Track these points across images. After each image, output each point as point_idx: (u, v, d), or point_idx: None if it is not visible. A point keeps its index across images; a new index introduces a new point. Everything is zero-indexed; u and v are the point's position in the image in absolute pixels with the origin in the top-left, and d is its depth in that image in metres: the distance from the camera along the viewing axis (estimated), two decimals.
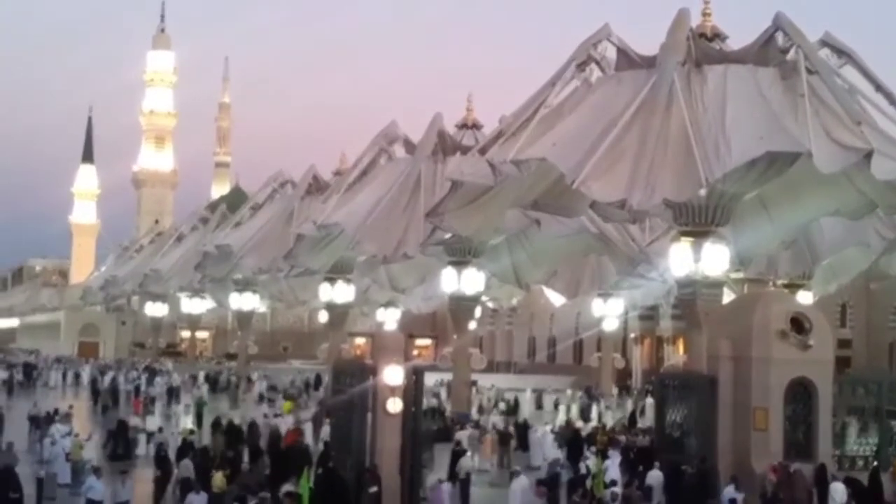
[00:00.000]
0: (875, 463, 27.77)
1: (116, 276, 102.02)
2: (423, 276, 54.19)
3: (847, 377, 34.30)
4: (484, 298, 54.93)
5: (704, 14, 37.69)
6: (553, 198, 33.72)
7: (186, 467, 26.13)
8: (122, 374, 65.47)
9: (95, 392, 55.42)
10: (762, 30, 33.55)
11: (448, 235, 41.84)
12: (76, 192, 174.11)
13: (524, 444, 36.97)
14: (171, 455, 28.61)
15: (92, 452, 30.84)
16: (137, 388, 57.29)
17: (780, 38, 33.36)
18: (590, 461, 28.80)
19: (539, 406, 56.87)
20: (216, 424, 35.80)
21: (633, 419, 44.98)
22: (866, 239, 42.13)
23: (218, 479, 24.31)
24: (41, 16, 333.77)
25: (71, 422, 35.44)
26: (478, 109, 53.87)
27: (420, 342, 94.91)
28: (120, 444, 34.42)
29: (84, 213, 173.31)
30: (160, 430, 35.21)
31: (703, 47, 34.22)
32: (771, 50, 33.33)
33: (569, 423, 42.86)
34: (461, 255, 45.73)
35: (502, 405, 53.03)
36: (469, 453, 31.28)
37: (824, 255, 44.55)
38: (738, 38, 36.06)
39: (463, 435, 35.06)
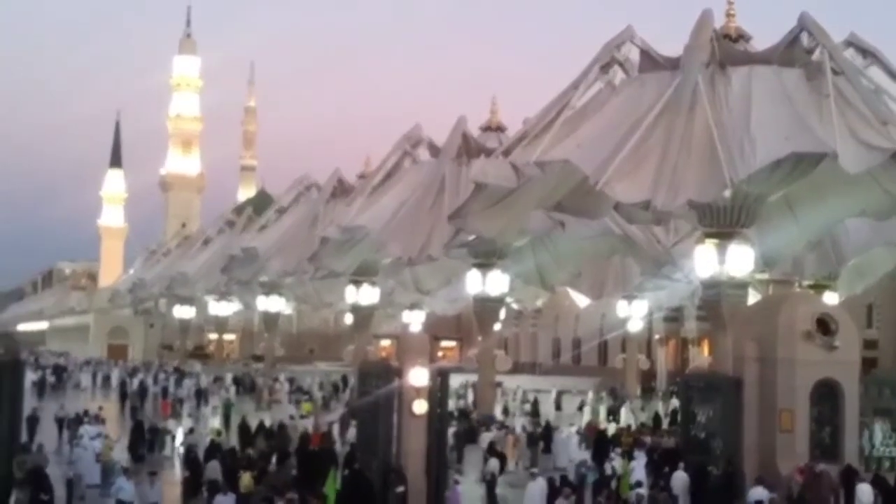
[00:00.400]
0: None
1: (144, 279, 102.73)
2: (449, 278, 54.27)
3: (873, 378, 34.18)
4: (508, 300, 54.93)
5: (728, 15, 37.63)
6: (577, 199, 33.70)
7: (214, 469, 26.39)
8: (151, 376, 66.04)
9: (124, 394, 55.94)
10: (787, 31, 33.43)
11: (472, 237, 41.91)
12: (104, 196, 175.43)
13: (548, 446, 37.04)
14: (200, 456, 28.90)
15: (122, 454, 31.19)
16: (165, 390, 57.82)
17: (804, 39, 33.19)
18: (615, 462, 28.86)
19: (558, 407, 56.80)
20: (246, 427, 36.03)
21: (657, 420, 44.92)
22: (893, 239, 41.90)
23: (245, 479, 24.56)
24: (69, 22, 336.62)
25: (101, 423, 35.85)
26: (502, 112, 54.04)
27: (445, 344, 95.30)
28: (141, 445, 34.79)
29: (112, 216, 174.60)
30: (191, 431, 35.52)
31: (727, 48, 34.12)
32: (796, 51, 33.18)
33: (593, 424, 42.87)
34: (485, 257, 45.86)
35: (527, 406, 53.14)
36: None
37: (850, 256, 44.29)
38: (763, 39, 35.97)
39: (488, 436, 35.20)
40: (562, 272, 50.64)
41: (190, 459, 28.56)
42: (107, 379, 70.50)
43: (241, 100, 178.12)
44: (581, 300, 62.99)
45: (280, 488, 23.70)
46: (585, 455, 32.34)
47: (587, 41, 35.75)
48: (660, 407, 50.92)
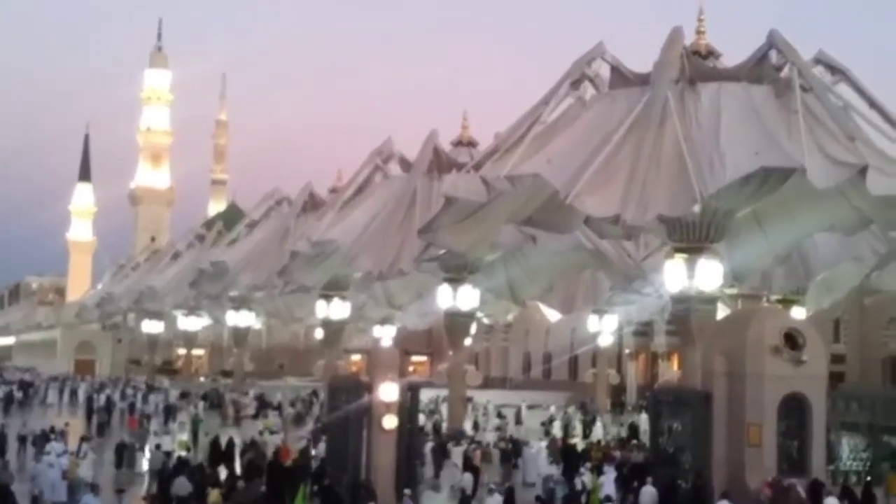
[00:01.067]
0: (868, 478, 27.83)
1: (112, 293, 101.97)
2: (420, 293, 54.25)
3: (840, 392, 34.41)
4: (479, 314, 54.93)
5: (698, 32, 37.96)
6: (547, 214, 33.72)
7: (182, 485, 26.15)
8: (118, 392, 65.44)
9: (90, 410, 55.41)
10: (755, 48, 33.72)
11: (442, 251, 41.91)
12: (73, 210, 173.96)
13: (517, 461, 36.98)
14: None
15: (87, 470, 30.84)
16: (132, 406, 57.32)
17: (773, 56, 33.49)
18: (585, 477, 28.88)
19: (518, 422, 56.44)
20: (217, 444, 35.75)
21: (635, 432, 44.94)
22: (860, 254, 42.21)
23: (214, 496, 24.37)
24: (37, 34, 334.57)
25: (67, 439, 35.49)
26: (473, 127, 54.20)
27: (416, 359, 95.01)
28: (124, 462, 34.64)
29: (81, 230, 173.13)
30: (157, 447, 35.20)
31: (696, 65, 34.38)
32: (765, 67, 33.44)
33: (563, 439, 42.90)
34: (456, 271, 45.86)
35: (497, 421, 53.08)
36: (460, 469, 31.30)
37: (818, 271, 44.57)
38: (732, 56, 36.28)
39: (458, 451, 35.14)
40: (533, 286, 50.73)
41: (156, 476, 28.31)
42: (74, 394, 69.78)
43: (212, 113, 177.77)
44: (552, 315, 63.06)
45: None
46: (555, 470, 32.34)
47: (559, 57, 35.92)
48: (639, 419, 51.03)
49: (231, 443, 35.78)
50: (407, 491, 25.69)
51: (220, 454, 34.34)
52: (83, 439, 34.15)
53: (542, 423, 52.75)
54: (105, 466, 34.57)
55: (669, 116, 31.57)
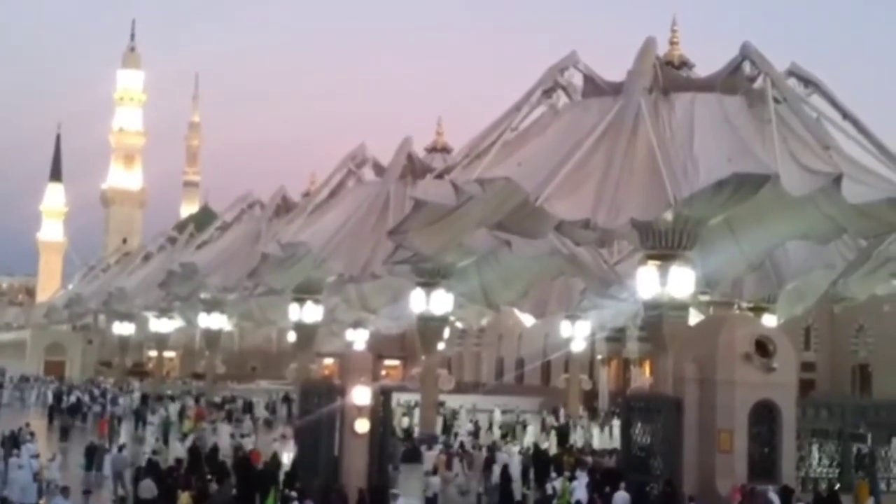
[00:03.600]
0: (837, 485, 28.02)
1: (81, 294, 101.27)
2: (395, 296, 54.19)
3: (810, 400, 34.61)
4: (452, 319, 54.96)
5: (672, 42, 38.10)
6: (518, 219, 33.54)
7: (147, 488, 25.94)
8: (87, 394, 64.95)
9: (52, 412, 55.00)
10: (729, 60, 33.90)
11: (410, 254, 41.80)
12: (44, 210, 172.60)
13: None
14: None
15: (57, 472, 30.61)
16: (103, 408, 56.92)
17: (747, 67, 33.72)
18: (556, 482, 28.94)
19: (489, 428, 56.40)
20: (196, 449, 35.43)
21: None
22: (832, 262, 42.56)
23: (184, 499, 24.23)
24: (9, 33, 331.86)
25: (35, 441, 35.19)
26: (449, 134, 54.19)
27: (389, 363, 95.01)
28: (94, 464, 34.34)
29: (52, 231, 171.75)
30: (121, 448, 34.73)
31: (670, 75, 34.54)
32: (738, 78, 33.64)
33: (536, 444, 42.96)
34: (430, 275, 45.85)
35: (470, 426, 53.10)
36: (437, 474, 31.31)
37: (790, 278, 44.91)
38: (706, 67, 36.45)
39: (431, 455, 35.13)
40: (508, 291, 50.79)
41: (119, 478, 28.20)
42: (41, 396, 69.15)
43: (185, 115, 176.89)
44: (525, 320, 63.16)
45: None
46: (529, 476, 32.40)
47: (535, 68, 35.97)
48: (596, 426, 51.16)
49: (215, 448, 35.30)
50: (395, 491, 25.73)
51: (201, 459, 33.76)
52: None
53: (523, 427, 52.37)
54: (72, 469, 34.27)
55: (642, 123, 31.70)
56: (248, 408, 60.85)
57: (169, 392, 70.75)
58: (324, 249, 46.23)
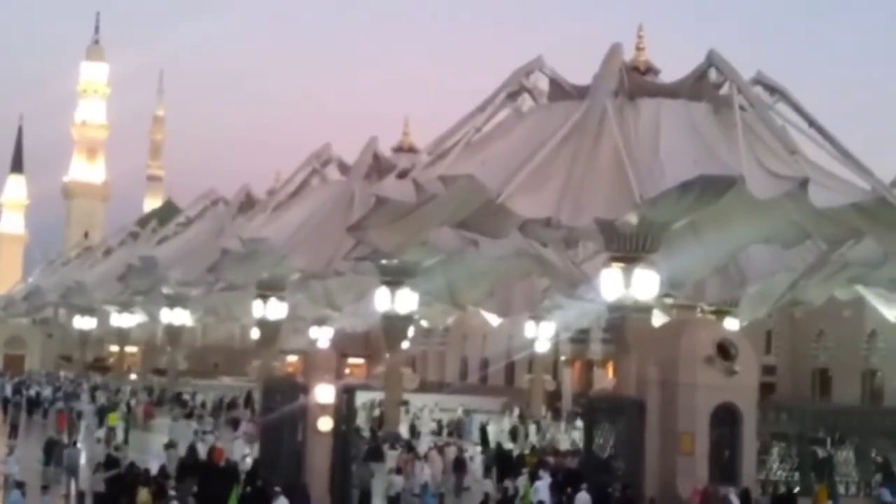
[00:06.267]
0: (797, 489, 28.30)
1: (40, 286, 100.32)
2: (362, 294, 54.00)
3: (771, 403, 34.96)
4: (417, 318, 54.91)
5: (638, 48, 38.25)
6: (481, 218, 33.31)
7: (98, 482, 25.66)
8: (50, 388, 64.27)
9: (12, 406, 54.29)
10: (694, 67, 34.03)
11: (370, 251, 41.61)
12: (4, 203, 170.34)
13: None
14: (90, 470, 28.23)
15: (14, 467, 30.25)
16: (60, 402, 56.26)
17: (713, 74, 33.79)
18: (518, 482, 29.00)
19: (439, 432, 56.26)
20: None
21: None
22: (794, 266, 42.87)
23: (143, 496, 24.06)
24: None
25: None
26: (416, 134, 54.09)
27: (353, 361, 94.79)
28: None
29: (12, 223, 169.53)
30: (74, 444, 34.24)
31: (636, 80, 34.56)
32: (704, 85, 33.69)
33: (498, 444, 43.01)
34: (395, 274, 45.78)
35: (433, 425, 53.09)
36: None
37: (753, 281, 45.18)
38: (671, 74, 36.57)
39: (393, 454, 35.08)
40: (474, 291, 50.77)
41: (72, 473, 27.96)
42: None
43: (150, 108, 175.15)
44: (490, 320, 63.25)
45: None
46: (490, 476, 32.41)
47: (502, 71, 35.93)
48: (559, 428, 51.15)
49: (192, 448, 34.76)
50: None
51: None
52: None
53: (484, 427, 52.06)
54: (30, 464, 33.82)
55: (608, 125, 31.70)
56: (214, 406, 60.46)
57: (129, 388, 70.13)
58: (285, 245, 46.05)
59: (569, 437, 48.43)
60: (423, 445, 40.20)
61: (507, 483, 30.09)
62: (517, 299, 56.16)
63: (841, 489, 29.55)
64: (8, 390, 63.81)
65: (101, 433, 41.16)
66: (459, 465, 34.61)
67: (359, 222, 37.04)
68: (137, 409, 53.97)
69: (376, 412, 54.18)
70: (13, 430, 45.00)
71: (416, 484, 29.38)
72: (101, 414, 48.90)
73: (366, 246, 39.34)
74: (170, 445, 34.36)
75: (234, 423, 48.54)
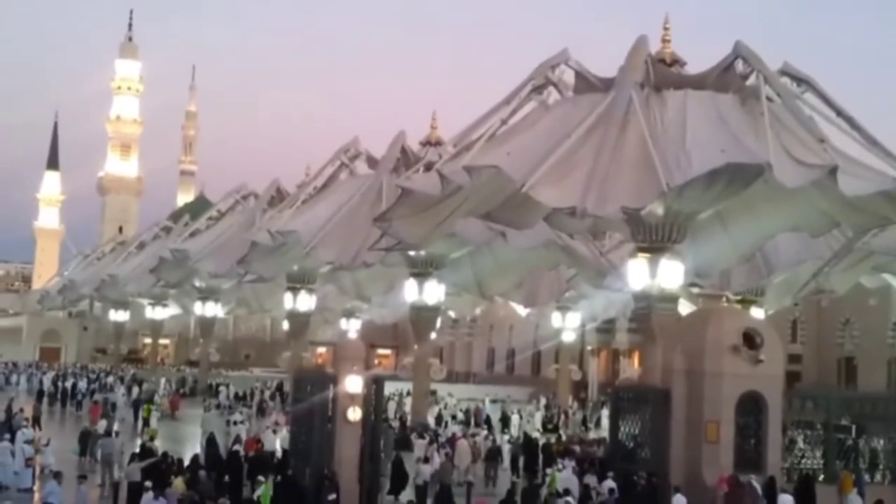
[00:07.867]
0: (821, 477, 28.41)
1: (74, 280, 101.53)
2: (391, 285, 54.33)
3: (797, 392, 35.01)
4: (444, 308, 55.22)
5: (664, 41, 38.16)
6: (507, 209, 33.18)
7: (134, 471, 26.18)
8: (84, 380, 65.21)
9: (49, 396, 55.19)
10: (720, 59, 33.95)
11: (396, 242, 41.84)
12: (41, 198, 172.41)
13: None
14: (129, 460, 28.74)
15: (50, 458, 30.89)
16: (94, 393, 57.16)
17: (740, 66, 33.55)
18: (546, 471, 29.27)
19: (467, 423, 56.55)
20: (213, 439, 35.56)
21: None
22: (821, 255, 42.68)
23: (177, 484, 24.54)
24: (7, 21, 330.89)
25: (29, 427, 35.44)
26: (442, 128, 54.37)
27: (381, 351, 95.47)
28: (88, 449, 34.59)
29: (48, 218, 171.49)
30: (107, 434, 34.77)
31: (661, 72, 34.32)
32: (731, 76, 33.49)
33: (526, 433, 43.32)
34: (423, 265, 46.12)
35: (461, 415, 53.44)
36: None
37: (778, 270, 45.02)
38: (697, 66, 36.41)
39: (421, 444, 35.43)
40: (502, 282, 50.95)
41: (107, 462, 28.55)
42: (30, 380, 69.35)
43: (182, 104, 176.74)
44: (517, 310, 63.51)
45: (212, 494, 23.77)
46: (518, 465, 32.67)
47: (528, 65, 35.97)
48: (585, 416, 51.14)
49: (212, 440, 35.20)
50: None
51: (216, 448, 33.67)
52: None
53: (509, 417, 52.35)
54: (65, 454, 34.48)
55: (634, 115, 31.46)
56: (243, 396, 61.18)
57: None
58: (314, 238, 46.46)
59: (595, 426, 48.63)
60: (448, 434, 40.51)
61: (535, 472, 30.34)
62: (543, 290, 56.34)
63: (866, 477, 29.58)
64: (46, 383, 64.95)
65: (137, 424, 41.83)
66: (492, 455, 34.90)
67: (384, 214, 37.20)
68: (164, 401, 54.73)
69: (405, 403, 54.68)
70: (36, 422, 45.72)
71: (427, 473, 29.64)
72: (136, 406, 49.73)
73: (391, 237, 39.57)
74: (206, 435, 34.90)
75: (264, 413, 49.15)
